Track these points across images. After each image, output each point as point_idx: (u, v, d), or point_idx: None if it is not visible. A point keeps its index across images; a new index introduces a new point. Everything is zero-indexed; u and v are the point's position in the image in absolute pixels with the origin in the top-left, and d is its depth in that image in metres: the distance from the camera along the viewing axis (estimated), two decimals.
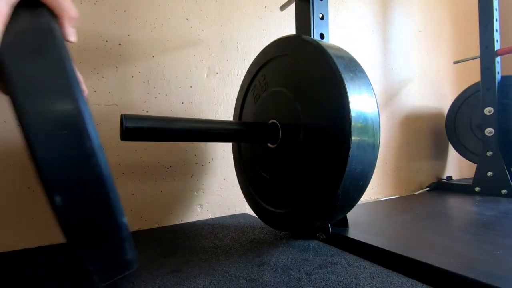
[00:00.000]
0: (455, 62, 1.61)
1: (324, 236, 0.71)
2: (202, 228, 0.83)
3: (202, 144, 0.96)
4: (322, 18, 0.76)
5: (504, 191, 1.20)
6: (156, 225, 0.87)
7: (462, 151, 1.53)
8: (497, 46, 1.28)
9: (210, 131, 0.63)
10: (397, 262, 0.56)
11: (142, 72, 0.86)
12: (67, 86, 0.24)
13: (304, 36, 0.65)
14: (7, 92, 0.25)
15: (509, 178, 1.20)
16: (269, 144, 0.70)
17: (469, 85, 1.51)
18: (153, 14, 0.87)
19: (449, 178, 1.57)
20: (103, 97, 0.81)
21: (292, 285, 0.48)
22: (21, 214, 0.71)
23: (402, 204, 1.15)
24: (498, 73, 1.29)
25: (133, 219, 0.84)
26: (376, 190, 1.36)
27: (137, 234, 0.80)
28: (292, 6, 0.84)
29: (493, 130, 1.26)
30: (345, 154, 0.51)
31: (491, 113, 1.27)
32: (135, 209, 0.84)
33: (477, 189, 1.29)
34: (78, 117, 0.24)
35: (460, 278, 0.47)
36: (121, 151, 0.82)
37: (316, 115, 0.58)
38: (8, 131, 0.70)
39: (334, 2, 1.26)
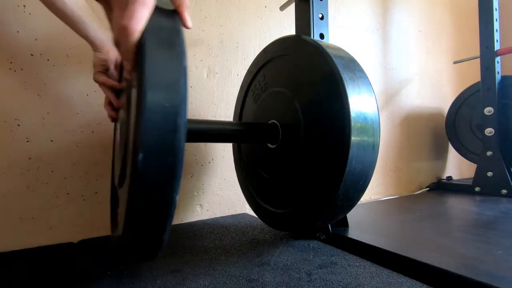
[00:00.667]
0: (455, 62, 1.61)
1: (324, 236, 0.71)
2: (202, 228, 0.83)
3: (202, 144, 0.96)
4: (322, 18, 0.76)
5: (504, 191, 1.20)
6: None
7: (462, 151, 1.53)
8: (497, 46, 1.28)
9: (210, 132, 0.63)
10: (397, 262, 0.56)
11: None
12: (179, 76, 0.33)
13: (304, 36, 0.65)
14: (134, 65, 0.36)
15: (509, 178, 1.20)
16: (269, 144, 0.70)
17: (469, 85, 1.51)
18: None
19: (449, 178, 1.57)
20: (103, 97, 0.80)
21: (292, 285, 0.48)
22: (21, 214, 0.71)
23: (402, 204, 1.15)
24: (498, 73, 1.29)
25: None
26: (376, 190, 1.36)
27: None
28: (292, 6, 0.84)
29: (493, 130, 1.26)
30: (345, 154, 0.51)
31: (491, 113, 1.27)
32: None
33: (477, 189, 1.29)
34: (180, 98, 0.32)
35: (460, 278, 0.47)
36: None
37: (316, 115, 0.58)
38: (8, 131, 0.70)
39: (334, 2, 1.26)
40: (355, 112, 0.52)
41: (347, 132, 0.51)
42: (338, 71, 0.53)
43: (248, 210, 0.98)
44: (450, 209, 1.09)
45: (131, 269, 0.56)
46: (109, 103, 0.67)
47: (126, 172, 0.39)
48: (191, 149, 0.94)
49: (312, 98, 0.59)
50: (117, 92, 0.66)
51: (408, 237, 0.74)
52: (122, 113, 0.57)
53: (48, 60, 0.74)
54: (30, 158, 0.72)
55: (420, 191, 1.45)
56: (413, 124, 1.52)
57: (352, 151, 0.52)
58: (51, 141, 0.74)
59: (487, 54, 1.29)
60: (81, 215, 0.77)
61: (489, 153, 1.27)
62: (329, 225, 0.71)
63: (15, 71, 0.71)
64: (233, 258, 0.60)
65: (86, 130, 0.78)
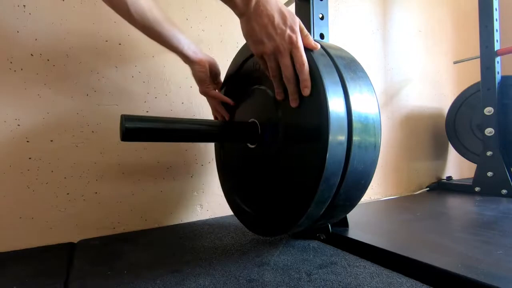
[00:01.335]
0: (455, 62, 1.61)
1: (324, 236, 0.71)
2: (202, 228, 0.83)
3: (202, 144, 0.96)
4: (322, 18, 0.76)
5: (504, 191, 1.20)
6: (156, 225, 0.87)
7: (462, 151, 1.53)
8: (497, 46, 1.28)
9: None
10: (397, 262, 0.56)
11: (142, 72, 0.86)
12: None
13: None
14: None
15: (509, 178, 1.20)
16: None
17: (469, 85, 1.50)
18: None
19: (449, 178, 1.57)
20: (103, 97, 0.81)
21: (292, 285, 0.48)
22: (21, 214, 0.71)
23: (402, 204, 1.15)
24: (498, 73, 1.29)
25: (133, 219, 0.84)
26: (376, 190, 1.36)
27: (137, 234, 0.80)
28: (292, 6, 0.84)
29: (493, 130, 1.26)
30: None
31: (491, 113, 1.27)
32: (135, 209, 0.84)
33: (477, 189, 1.29)
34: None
35: (460, 278, 0.47)
36: (121, 151, 0.82)
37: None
38: (8, 131, 0.70)
39: (334, 2, 1.26)
40: (356, 112, 0.52)
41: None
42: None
43: None
44: (450, 209, 1.09)
45: (131, 269, 0.56)
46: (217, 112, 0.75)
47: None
48: (191, 149, 0.94)
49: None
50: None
51: (408, 237, 0.74)
52: None
53: (48, 60, 0.74)
54: (30, 158, 0.72)
55: (420, 191, 1.45)
56: (413, 124, 1.52)
57: (354, 150, 0.52)
58: (51, 141, 0.74)
59: (487, 54, 1.29)
60: (81, 215, 0.77)
61: (489, 153, 1.27)
62: (329, 225, 0.71)
63: (15, 71, 0.71)
64: (233, 258, 0.60)
65: (86, 130, 0.78)
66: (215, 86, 0.75)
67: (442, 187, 1.49)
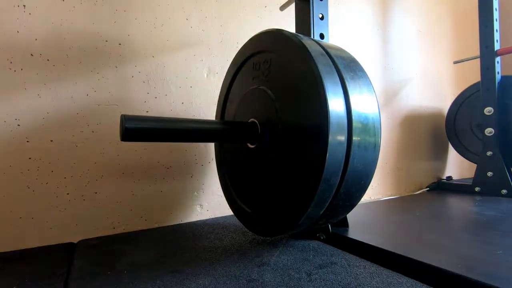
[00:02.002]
0: (455, 62, 1.61)
1: (324, 236, 0.71)
2: (202, 228, 0.83)
3: (202, 144, 0.96)
4: (322, 18, 0.76)
5: (504, 191, 1.20)
6: (156, 225, 0.87)
7: (462, 151, 1.53)
8: (497, 46, 1.28)
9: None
10: (397, 262, 0.56)
11: (142, 72, 0.86)
12: None
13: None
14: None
15: (509, 178, 1.20)
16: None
17: (469, 85, 1.50)
18: (153, 14, 0.87)
19: (449, 178, 1.57)
20: (103, 97, 0.81)
21: (292, 285, 0.48)
22: (21, 214, 0.71)
23: (402, 204, 1.15)
24: (498, 73, 1.29)
25: (133, 219, 0.84)
26: (376, 190, 1.36)
27: (137, 234, 0.80)
28: (292, 6, 0.84)
29: (493, 130, 1.26)
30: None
31: (491, 113, 1.27)
32: (135, 209, 0.84)
33: (477, 189, 1.29)
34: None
35: (460, 278, 0.47)
36: (121, 151, 0.82)
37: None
38: (8, 131, 0.70)
39: (334, 2, 1.26)
40: (355, 111, 0.52)
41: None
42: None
43: None
44: (450, 209, 1.09)
45: (131, 269, 0.56)
46: None
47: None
48: (191, 149, 0.94)
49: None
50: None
51: (408, 237, 0.74)
52: None
53: (48, 60, 0.74)
54: (30, 158, 0.72)
55: (420, 191, 1.45)
56: (413, 124, 1.52)
57: (354, 150, 0.52)
58: (51, 141, 0.74)
59: (487, 54, 1.29)
60: (81, 215, 0.77)
61: (489, 153, 1.27)
62: (329, 225, 0.71)
63: (15, 71, 0.71)
64: (233, 258, 0.60)
65: (86, 130, 0.78)
66: None
67: (442, 187, 1.49)
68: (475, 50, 1.38)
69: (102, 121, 0.80)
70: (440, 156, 1.66)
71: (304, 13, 0.77)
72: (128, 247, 0.70)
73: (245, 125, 0.67)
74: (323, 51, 0.56)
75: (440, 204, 1.16)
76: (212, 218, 0.95)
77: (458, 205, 1.13)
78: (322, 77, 0.50)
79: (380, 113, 0.57)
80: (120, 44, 0.83)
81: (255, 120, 0.66)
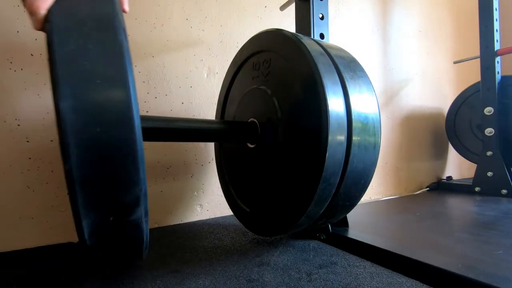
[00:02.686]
0: (455, 62, 1.61)
1: (324, 236, 0.71)
2: (202, 228, 0.83)
3: (202, 144, 0.96)
4: (322, 18, 0.76)
5: (504, 191, 1.20)
6: (156, 225, 0.87)
7: (462, 151, 1.53)
8: (497, 46, 1.28)
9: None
10: (397, 262, 0.56)
11: (142, 72, 0.86)
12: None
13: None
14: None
15: (509, 178, 1.20)
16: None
17: (469, 85, 1.51)
18: (153, 14, 0.87)
19: (449, 178, 1.57)
20: None
21: (292, 285, 0.48)
22: (21, 214, 0.71)
23: (402, 204, 1.15)
24: (498, 73, 1.29)
25: None
26: (376, 190, 1.36)
27: None
28: (292, 6, 0.84)
29: (493, 130, 1.26)
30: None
31: (491, 113, 1.27)
32: None
33: (477, 189, 1.29)
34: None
35: (460, 278, 0.47)
36: None
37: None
38: (7, 131, 0.70)
39: (334, 2, 1.26)
40: (355, 111, 0.52)
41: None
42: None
43: None
44: (450, 209, 1.09)
45: (131, 269, 0.56)
46: None
47: None
48: (191, 149, 0.94)
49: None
50: None
51: (408, 237, 0.74)
52: None
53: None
54: (30, 158, 0.72)
55: (420, 191, 1.45)
56: (413, 124, 1.52)
57: (353, 150, 0.52)
58: (51, 141, 0.74)
59: (487, 54, 1.29)
60: None
61: (489, 153, 1.27)
62: (329, 225, 0.71)
63: (15, 71, 0.71)
64: (233, 258, 0.60)
65: None
66: None
67: (442, 187, 1.49)
68: (475, 50, 1.38)
69: None
70: (440, 156, 1.66)
71: (304, 13, 0.77)
72: None
73: (245, 125, 0.67)
74: (323, 50, 0.56)
75: (440, 204, 1.16)
76: (212, 218, 0.95)
77: (458, 205, 1.13)
78: (322, 76, 0.50)
79: (380, 113, 0.57)
80: None
81: (255, 120, 0.66)
